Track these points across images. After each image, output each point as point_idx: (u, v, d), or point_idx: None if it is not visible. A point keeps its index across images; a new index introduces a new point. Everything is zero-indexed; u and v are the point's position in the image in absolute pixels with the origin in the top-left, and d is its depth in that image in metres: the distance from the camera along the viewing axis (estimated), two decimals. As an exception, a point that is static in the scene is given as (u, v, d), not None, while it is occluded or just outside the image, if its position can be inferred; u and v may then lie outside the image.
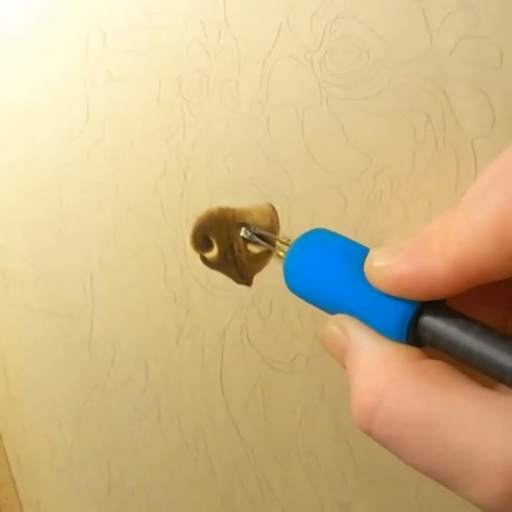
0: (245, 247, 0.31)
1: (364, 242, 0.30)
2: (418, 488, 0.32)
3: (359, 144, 0.30)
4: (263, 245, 0.30)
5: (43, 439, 0.32)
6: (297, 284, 0.26)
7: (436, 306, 0.22)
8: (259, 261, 0.31)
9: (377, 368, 0.22)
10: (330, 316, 0.25)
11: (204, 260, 0.31)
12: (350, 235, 0.31)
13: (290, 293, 0.31)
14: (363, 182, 0.30)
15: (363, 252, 0.24)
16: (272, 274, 0.31)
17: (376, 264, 0.22)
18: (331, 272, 0.24)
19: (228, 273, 0.31)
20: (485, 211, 0.20)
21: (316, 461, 0.32)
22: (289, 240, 0.29)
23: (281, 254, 0.29)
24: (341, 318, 0.24)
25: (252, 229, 0.30)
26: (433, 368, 0.21)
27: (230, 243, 0.30)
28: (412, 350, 0.22)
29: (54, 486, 0.32)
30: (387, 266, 0.22)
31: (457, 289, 0.21)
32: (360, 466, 0.32)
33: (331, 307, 0.25)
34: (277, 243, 0.30)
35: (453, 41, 0.30)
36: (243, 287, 0.31)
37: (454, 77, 0.30)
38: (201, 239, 0.31)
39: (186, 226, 0.31)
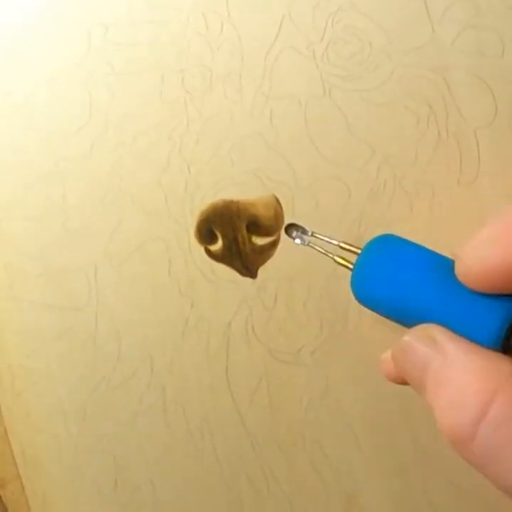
0: (250, 240, 0.32)
1: (368, 234, 0.32)
2: (424, 480, 0.33)
3: (362, 135, 0.31)
4: (320, 252, 0.27)
5: (49, 434, 0.33)
6: (370, 295, 0.24)
7: None
8: (264, 253, 0.32)
9: (485, 371, 0.21)
10: (406, 329, 0.23)
11: (208, 253, 0.32)
12: (354, 225, 0.32)
13: (295, 284, 0.32)
14: (366, 172, 0.31)
15: (439, 257, 0.23)
16: (276, 266, 0.32)
17: (469, 261, 0.21)
18: (411, 280, 0.23)
19: (233, 265, 0.32)
20: None
21: (322, 452, 0.33)
22: (351, 245, 0.26)
23: (342, 262, 0.26)
24: (429, 327, 0.23)
25: (309, 234, 0.28)
26: None
27: (234, 235, 0.31)
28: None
29: (60, 480, 0.33)
30: (483, 259, 0.21)
31: None
32: (366, 456, 0.33)
33: (411, 318, 0.23)
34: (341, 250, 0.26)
35: (454, 32, 0.31)
36: (248, 279, 0.32)
37: (456, 67, 0.31)
38: (205, 232, 0.32)
39: (190, 219, 0.32)
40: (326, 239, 0.27)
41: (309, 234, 0.28)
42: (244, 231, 0.32)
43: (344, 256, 0.26)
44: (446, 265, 0.22)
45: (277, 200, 0.32)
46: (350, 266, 0.25)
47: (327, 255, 0.26)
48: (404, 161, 0.31)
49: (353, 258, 0.25)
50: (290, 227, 0.28)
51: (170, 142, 0.32)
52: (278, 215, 0.32)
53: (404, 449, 0.33)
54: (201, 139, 0.32)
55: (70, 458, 0.33)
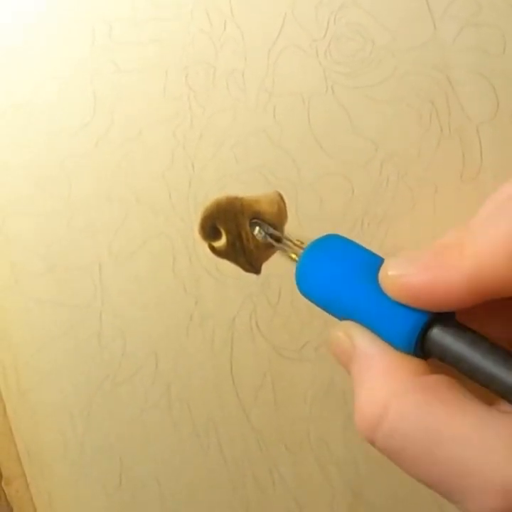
0: (253, 236, 0.32)
1: (372, 230, 0.32)
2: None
3: (365, 132, 0.32)
4: (276, 247, 0.31)
5: (54, 432, 0.33)
6: (308, 288, 0.27)
7: (446, 319, 0.23)
8: (268, 249, 0.32)
9: (382, 379, 0.23)
10: (338, 321, 0.26)
11: (212, 249, 0.32)
12: (357, 222, 0.32)
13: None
14: (369, 169, 0.32)
15: (376, 260, 0.25)
16: (280, 262, 0.32)
17: (391, 273, 0.23)
18: (343, 279, 0.25)
19: (237, 262, 0.32)
20: (499, 227, 0.21)
21: (328, 449, 0.33)
22: (303, 243, 0.29)
23: (293, 256, 0.30)
24: (349, 325, 0.25)
25: (265, 229, 0.31)
26: (437, 383, 0.23)
27: (238, 232, 0.32)
28: (418, 363, 0.24)
29: (65, 478, 0.33)
30: (402, 275, 0.23)
31: (470, 302, 0.22)
32: (371, 453, 0.33)
33: (341, 313, 0.26)
34: (290, 244, 0.31)
35: (456, 28, 0.31)
36: (252, 275, 0.32)
37: (458, 64, 0.31)
38: (209, 228, 0.32)
39: (194, 215, 0.32)
40: (279, 233, 0.31)
41: (267, 231, 0.31)
42: (248, 227, 0.32)
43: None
44: (376, 268, 0.24)
45: (281, 197, 0.32)
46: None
47: (283, 249, 0.31)
48: (407, 157, 0.32)
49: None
50: (254, 224, 0.32)
51: (174, 139, 0.32)
52: (282, 211, 0.32)
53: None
54: (205, 136, 0.32)
55: (75, 455, 0.33)
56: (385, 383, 0.23)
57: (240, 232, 0.32)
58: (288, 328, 0.33)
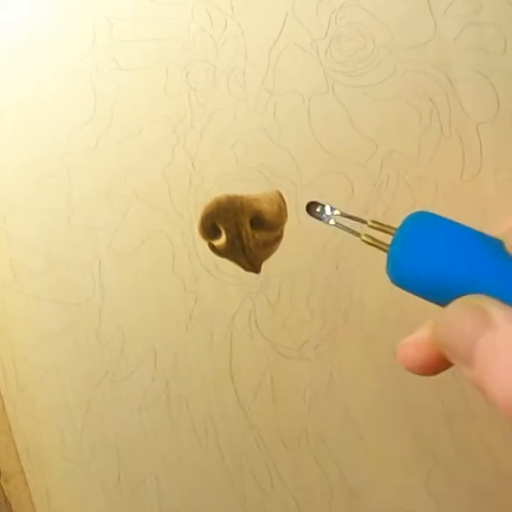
0: (253, 235, 0.32)
1: (371, 230, 0.32)
2: (428, 474, 0.33)
3: (365, 131, 0.32)
4: (345, 230, 0.26)
5: (52, 429, 0.34)
6: (409, 274, 0.23)
7: None
8: (267, 248, 0.33)
9: None
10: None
11: (212, 248, 0.33)
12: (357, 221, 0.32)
13: (298, 279, 0.33)
14: (369, 168, 0.32)
15: (474, 233, 0.23)
16: (279, 261, 0.33)
17: None
18: (457, 255, 0.22)
19: (236, 260, 0.33)
20: None
21: (326, 447, 0.33)
22: (382, 225, 0.24)
23: (375, 242, 0.24)
24: (476, 297, 0.22)
25: (337, 212, 0.26)
26: None
27: (238, 230, 0.32)
28: None
29: (63, 475, 0.34)
30: None
31: None
32: (369, 452, 0.33)
33: (459, 293, 0.22)
34: (363, 228, 0.25)
35: (457, 28, 0.32)
36: (251, 274, 0.33)
37: (458, 63, 0.32)
38: (209, 227, 0.33)
39: (194, 213, 0.33)
40: (352, 215, 0.25)
41: (332, 212, 0.26)
42: (248, 226, 0.32)
43: (372, 235, 0.24)
44: (490, 240, 0.22)
45: (281, 196, 0.32)
46: (383, 246, 0.24)
47: (354, 234, 0.25)
48: (407, 156, 0.32)
49: (384, 238, 0.24)
50: (311, 205, 0.27)
51: (174, 137, 0.32)
52: (282, 210, 0.32)
53: (406, 443, 0.34)
54: (205, 134, 0.32)
55: (74, 452, 0.34)
56: None
57: (239, 230, 0.32)
58: (287, 327, 0.33)
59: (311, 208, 0.27)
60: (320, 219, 0.26)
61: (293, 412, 0.34)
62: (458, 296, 0.22)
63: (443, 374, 0.23)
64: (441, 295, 0.23)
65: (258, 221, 0.32)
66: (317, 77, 0.32)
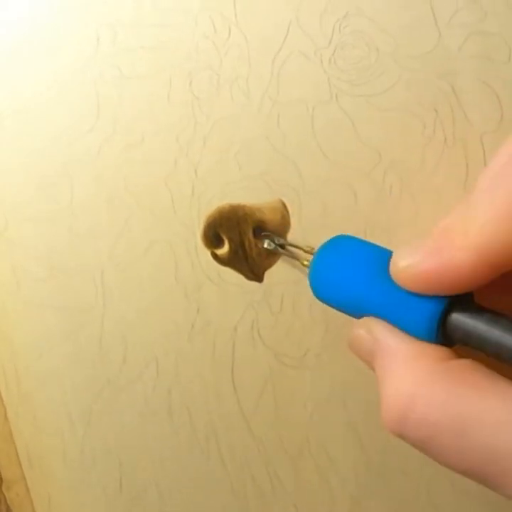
0: (256, 244, 0.32)
1: (375, 238, 0.32)
2: (429, 483, 0.34)
3: (369, 140, 0.32)
4: (287, 256, 0.32)
5: (54, 436, 0.34)
6: (324, 291, 0.27)
7: (464, 302, 0.23)
8: (270, 257, 0.33)
9: (405, 370, 0.23)
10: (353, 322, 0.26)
11: (215, 257, 0.33)
12: (360, 230, 0.33)
13: (301, 288, 0.33)
14: (372, 177, 0.32)
15: (386, 255, 0.25)
16: (282, 269, 0.33)
17: (400, 264, 0.23)
18: (356, 277, 0.26)
19: (239, 269, 0.33)
20: (498, 196, 0.21)
21: (327, 456, 0.34)
22: (313, 248, 0.30)
23: (305, 263, 0.30)
24: (367, 321, 0.25)
25: (276, 241, 0.32)
26: (462, 367, 0.22)
27: (240, 239, 0.32)
28: (440, 350, 0.23)
29: (65, 482, 0.34)
30: (411, 264, 0.23)
31: (483, 279, 0.22)
32: (371, 460, 0.34)
33: (359, 312, 0.26)
34: (302, 253, 0.31)
35: (461, 37, 0.32)
36: (254, 283, 0.33)
37: (463, 72, 0.32)
38: (212, 235, 0.33)
39: (197, 222, 0.33)
40: (290, 243, 0.32)
41: (277, 241, 0.32)
42: (251, 235, 0.32)
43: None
44: (388, 262, 0.25)
45: (284, 205, 0.32)
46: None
47: (296, 259, 0.31)
48: (411, 166, 0.32)
49: None
50: (264, 237, 0.32)
51: (177, 145, 0.32)
52: (285, 219, 0.32)
53: (408, 452, 0.34)
54: (208, 142, 0.32)
55: (76, 460, 0.34)
56: (409, 373, 0.23)
57: (242, 239, 0.33)
58: (289, 336, 0.33)
59: (262, 238, 0.32)
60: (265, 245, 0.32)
61: (295, 421, 0.34)
62: (360, 313, 0.26)
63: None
64: (350, 313, 0.27)
65: (261, 230, 0.32)
66: (321, 85, 0.32)
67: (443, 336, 0.24)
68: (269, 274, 0.33)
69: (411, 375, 0.22)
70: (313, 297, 0.33)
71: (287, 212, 0.32)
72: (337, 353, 0.33)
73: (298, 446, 0.34)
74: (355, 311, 0.26)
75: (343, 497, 0.34)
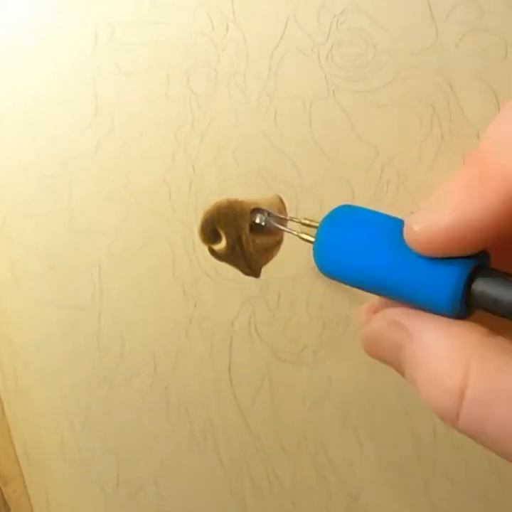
0: (253, 239, 0.33)
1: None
2: (426, 480, 0.34)
3: (366, 136, 0.32)
4: (282, 230, 0.30)
5: (52, 432, 0.34)
6: (331, 266, 0.25)
7: (485, 268, 0.22)
8: (267, 252, 0.33)
9: (452, 348, 0.21)
10: (369, 296, 0.25)
11: (212, 252, 0.33)
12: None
13: (298, 284, 0.33)
14: (370, 173, 0.32)
15: (396, 223, 0.24)
16: (280, 265, 0.33)
17: (416, 227, 0.22)
18: (368, 248, 0.24)
19: (236, 265, 0.33)
20: None
21: (324, 452, 0.34)
22: (312, 221, 0.28)
23: (305, 237, 0.28)
24: (391, 312, 0.24)
25: (266, 214, 0.31)
26: (507, 342, 0.21)
27: (238, 235, 0.32)
28: (481, 327, 0.22)
29: (62, 479, 0.34)
30: (430, 225, 0.21)
31: (509, 225, 0.21)
32: (368, 457, 0.34)
33: (372, 284, 0.24)
34: (299, 226, 0.29)
35: (458, 34, 0.32)
36: (251, 279, 0.33)
37: (460, 69, 0.32)
38: (209, 231, 0.33)
39: (195, 218, 0.33)
40: (283, 216, 0.30)
41: (268, 214, 0.31)
42: (248, 231, 0.33)
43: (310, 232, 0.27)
44: (400, 231, 0.23)
45: (281, 200, 0.33)
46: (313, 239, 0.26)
47: (291, 233, 0.29)
48: (408, 162, 0.32)
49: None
50: (254, 211, 0.31)
51: (175, 141, 0.33)
52: (282, 214, 0.33)
53: (406, 449, 0.34)
54: (206, 139, 0.33)
55: (73, 456, 0.34)
56: (457, 350, 0.21)
57: (240, 235, 0.33)
58: (286, 332, 0.33)
59: (253, 214, 0.31)
60: (260, 224, 0.31)
61: (292, 417, 0.34)
62: (376, 289, 0.24)
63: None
64: (361, 286, 0.25)
65: (258, 225, 0.33)
66: (318, 82, 0.32)
67: (466, 304, 0.22)
68: (266, 270, 0.33)
69: (460, 351, 0.21)
70: (311, 293, 0.33)
71: (284, 207, 0.33)
72: (334, 349, 0.33)
73: (295, 442, 0.34)
74: (367, 283, 0.24)
75: (340, 494, 0.34)
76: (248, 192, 0.33)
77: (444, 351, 0.22)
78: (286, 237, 0.33)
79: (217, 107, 0.33)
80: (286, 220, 0.30)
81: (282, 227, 0.30)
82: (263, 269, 0.33)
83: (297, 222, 0.29)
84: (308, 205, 0.33)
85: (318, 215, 0.33)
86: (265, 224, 0.30)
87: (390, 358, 0.24)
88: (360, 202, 0.32)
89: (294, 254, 0.33)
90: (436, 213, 0.21)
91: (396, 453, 0.34)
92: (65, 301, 0.34)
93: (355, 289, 0.26)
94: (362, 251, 0.24)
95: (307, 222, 0.28)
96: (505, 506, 0.33)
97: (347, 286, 0.26)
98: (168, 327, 0.34)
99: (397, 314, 0.23)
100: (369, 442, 0.34)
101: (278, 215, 0.30)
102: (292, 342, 0.33)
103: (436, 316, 0.23)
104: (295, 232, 0.29)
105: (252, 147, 0.33)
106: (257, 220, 0.31)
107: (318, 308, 0.33)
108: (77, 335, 0.34)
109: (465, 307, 0.23)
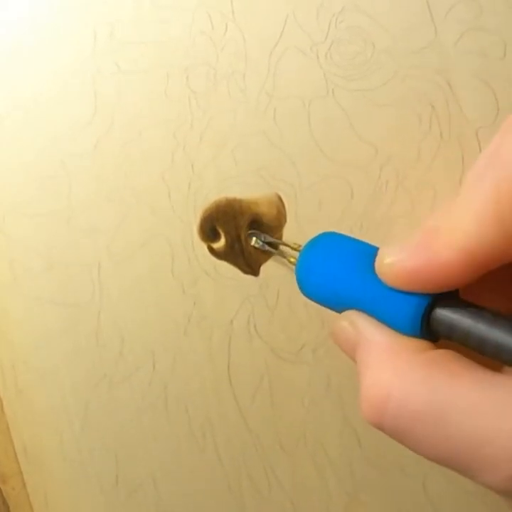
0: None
1: (370, 233, 0.33)
2: (425, 479, 0.34)
3: (365, 135, 0.32)
4: (275, 253, 0.32)
5: (51, 430, 0.34)
6: (310, 288, 0.28)
7: (448, 298, 0.24)
8: (266, 252, 0.33)
9: (384, 362, 0.23)
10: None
11: (211, 251, 0.33)
12: (356, 225, 0.33)
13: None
14: (369, 172, 0.32)
15: (372, 251, 0.25)
16: (279, 264, 0.33)
17: (386, 261, 0.24)
18: (341, 273, 0.26)
19: (235, 263, 0.33)
20: (481, 194, 0.22)
21: (324, 452, 0.34)
22: (300, 246, 0.30)
23: (292, 260, 0.31)
24: (351, 313, 0.26)
25: (262, 238, 0.32)
26: (439, 357, 0.23)
27: (237, 233, 0.33)
28: (420, 342, 0.24)
29: (61, 477, 0.34)
30: (397, 261, 0.23)
31: (468, 278, 0.22)
32: (367, 456, 0.34)
33: (344, 308, 0.26)
34: (289, 250, 0.32)
35: (457, 33, 0.32)
36: (250, 277, 0.33)
37: (459, 68, 0.32)
38: (208, 229, 0.33)
39: (194, 217, 0.33)
40: (277, 240, 0.32)
41: (264, 239, 0.32)
42: (247, 230, 0.33)
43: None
44: (373, 259, 0.25)
45: (280, 199, 0.33)
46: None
47: (283, 257, 0.32)
48: (407, 161, 0.32)
49: None
50: (251, 235, 0.33)
51: (174, 140, 0.33)
52: (281, 213, 0.33)
53: (405, 448, 0.34)
54: (205, 138, 0.33)
55: (72, 454, 0.34)
56: (387, 364, 0.23)
57: (238, 233, 0.33)
58: (286, 331, 0.33)
59: (249, 237, 0.33)
60: (257, 246, 0.33)
61: (291, 416, 0.34)
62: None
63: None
64: (338, 308, 0.27)
65: (257, 224, 0.33)
66: (317, 80, 0.33)
67: (427, 330, 0.24)
68: (265, 268, 0.33)
69: (389, 367, 0.23)
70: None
71: (283, 206, 0.33)
72: (333, 347, 0.33)
73: (294, 441, 0.34)
74: (341, 307, 0.27)
75: (339, 493, 0.34)
76: (247, 191, 0.33)
77: (376, 363, 0.23)
78: (286, 235, 0.33)
79: (217, 106, 0.33)
80: (281, 243, 0.32)
81: (275, 251, 0.32)
82: (262, 268, 0.33)
83: (288, 246, 0.32)
84: (307, 204, 0.33)
85: (318, 214, 0.33)
86: (260, 247, 0.32)
87: (348, 352, 0.26)
88: (359, 201, 0.33)
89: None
90: (404, 252, 0.23)
91: (395, 451, 0.34)
92: (65, 300, 0.34)
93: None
94: (337, 276, 0.26)
95: (295, 246, 0.31)
96: (503, 503, 0.33)
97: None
98: (168, 325, 0.34)
99: (355, 315, 0.25)
100: (368, 441, 0.34)
101: (272, 239, 0.32)
102: (291, 341, 0.33)
103: (389, 329, 0.24)
104: (285, 258, 0.32)
105: (251, 146, 0.33)
106: (253, 243, 0.33)
107: (317, 307, 0.33)
108: (77, 333, 0.34)
109: (427, 334, 0.24)
